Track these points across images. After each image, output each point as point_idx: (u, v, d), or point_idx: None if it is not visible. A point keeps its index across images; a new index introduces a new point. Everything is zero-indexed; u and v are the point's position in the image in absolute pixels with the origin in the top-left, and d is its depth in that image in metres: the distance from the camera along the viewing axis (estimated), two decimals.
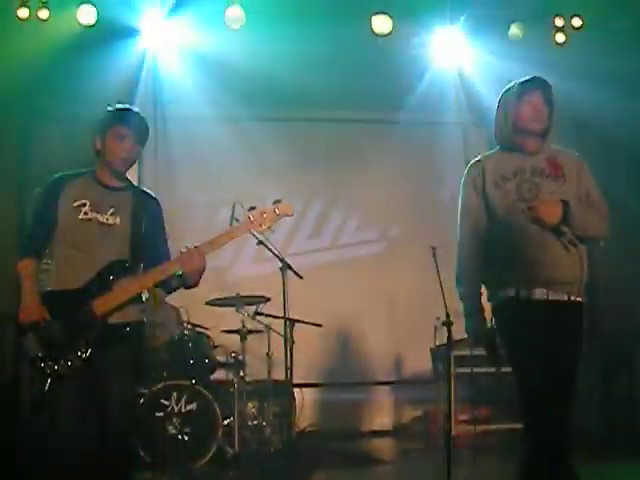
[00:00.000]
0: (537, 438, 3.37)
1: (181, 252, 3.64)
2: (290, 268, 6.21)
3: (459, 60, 8.02)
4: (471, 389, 6.93)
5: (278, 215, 3.71)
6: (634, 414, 6.90)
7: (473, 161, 3.76)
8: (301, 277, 6.27)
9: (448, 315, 5.28)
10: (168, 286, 3.81)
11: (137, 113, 3.89)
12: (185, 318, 6.60)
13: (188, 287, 3.82)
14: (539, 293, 3.48)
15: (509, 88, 3.71)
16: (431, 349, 7.40)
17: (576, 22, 7.48)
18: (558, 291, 3.48)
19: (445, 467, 4.95)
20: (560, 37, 7.47)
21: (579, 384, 3.57)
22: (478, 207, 3.65)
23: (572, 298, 3.51)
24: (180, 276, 3.72)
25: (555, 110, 3.63)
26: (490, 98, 7.16)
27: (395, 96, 7.89)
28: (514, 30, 7.48)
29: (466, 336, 3.72)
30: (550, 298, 3.47)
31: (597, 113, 7.01)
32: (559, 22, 7.50)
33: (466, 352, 6.18)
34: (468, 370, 6.56)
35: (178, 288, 3.85)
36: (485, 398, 7.13)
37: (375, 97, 7.92)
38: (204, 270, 3.70)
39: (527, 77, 3.65)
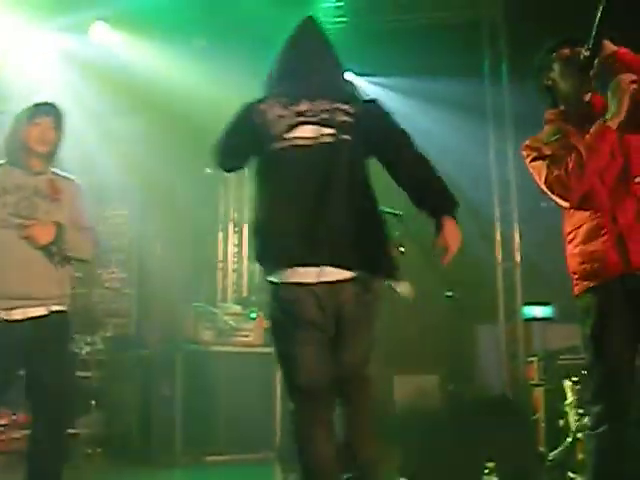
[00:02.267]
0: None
1: None
2: None
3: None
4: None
5: None
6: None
7: None
8: None
9: None
10: None
11: None
12: None
13: None
14: (18, 313, 3.65)
15: (24, 109, 3.83)
16: None
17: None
18: (39, 306, 3.69)
19: None
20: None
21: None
22: None
23: (54, 309, 3.73)
24: None
25: (63, 136, 3.85)
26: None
27: None
28: None
29: None
30: (29, 315, 3.67)
31: None
32: None
33: None
34: None
35: None
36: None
37: None
38: None
39: (40, 102, 3.83)
